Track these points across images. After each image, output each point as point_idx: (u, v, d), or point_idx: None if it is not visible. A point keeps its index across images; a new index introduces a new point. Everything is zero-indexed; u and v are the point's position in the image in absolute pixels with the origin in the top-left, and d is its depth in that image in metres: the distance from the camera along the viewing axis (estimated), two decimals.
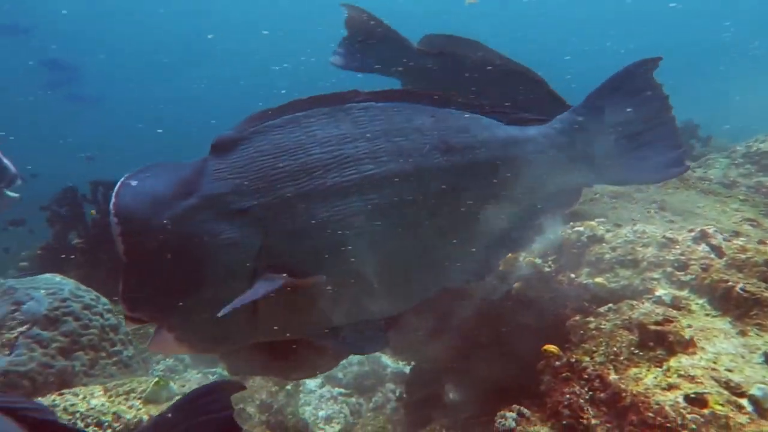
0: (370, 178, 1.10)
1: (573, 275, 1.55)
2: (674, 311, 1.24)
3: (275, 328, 1.09)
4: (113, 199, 1.06)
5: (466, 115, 1.25)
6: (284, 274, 1.03)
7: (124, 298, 1.03)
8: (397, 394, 2.57)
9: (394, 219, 1.12)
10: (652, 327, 1.16)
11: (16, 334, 1.62)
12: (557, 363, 1.23)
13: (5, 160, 2.02)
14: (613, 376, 1.12)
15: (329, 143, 1.11)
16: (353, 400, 2.54)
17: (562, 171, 1.30)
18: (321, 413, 2.36)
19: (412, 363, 2.46)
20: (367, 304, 1.14)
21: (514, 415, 1.17)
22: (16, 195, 2.10)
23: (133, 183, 1.09)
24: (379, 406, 2.49)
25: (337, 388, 2.58)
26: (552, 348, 1.27)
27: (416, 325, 2.23)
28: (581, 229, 1.64)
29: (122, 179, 1.09)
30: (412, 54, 1.76)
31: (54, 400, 1.49)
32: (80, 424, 1.44)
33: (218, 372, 2.46)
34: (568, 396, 1.13)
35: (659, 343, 1.14)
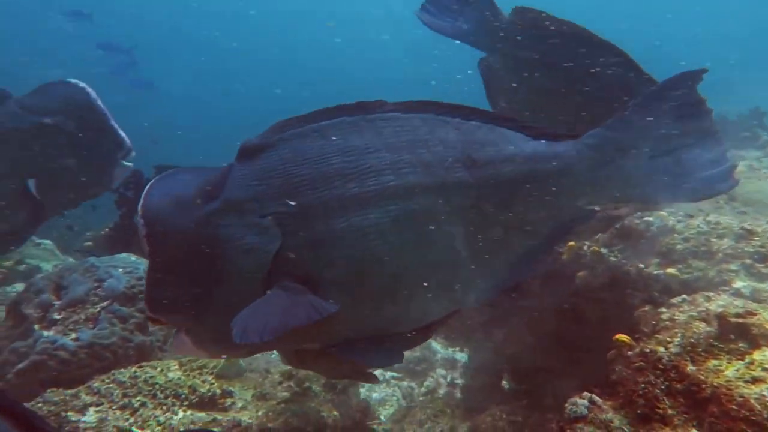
0: (390, 189, 1.10)
1: (642, 265, 1.52)
2: (754, 304, 1.21)
3: (293, 337, 1.08)
4: (141, 201, 1.08)
5: (492, 129, 1.21)
6: (301, 288, 1.03)
7: (146, 299, 1.06)
8: (448, 379, 2.60)
9: (412, 231, 1.10)
10: (733, 319, 1.13)
11: (98, 309, 1.73)
12: (630, 353, 1.22)
13: (122, 132, 2.12)
14: (690, 368, 1.10)
15: (351, 153, 1.11)
16: (405, 383, 2.58)
17: (591, 189, 1.24)
18: (374, 395, 2.41)
19: (466, 350, 2.48)
20: (380, 316, 1.13)
21: (585, 402, 1.16)
22: (130, 164, 2.21)
23: (162, 186, 1.11)
24: (431, 390, 2.53)
25: (389, 372, 2.63)
26: (624, 338, 1.25)
27: (473, 313, 2.24)
28: (650, 219, 1.60)
29: (151, 181, 1.13)
30: (502, 24, 1.70)
31: (135, 372, 1.58)
32: (160, 396, 1.53)
33: (275, 353, 2.54)
34: (643, 385, 1.12)
35: (741, 335, 1.11)
